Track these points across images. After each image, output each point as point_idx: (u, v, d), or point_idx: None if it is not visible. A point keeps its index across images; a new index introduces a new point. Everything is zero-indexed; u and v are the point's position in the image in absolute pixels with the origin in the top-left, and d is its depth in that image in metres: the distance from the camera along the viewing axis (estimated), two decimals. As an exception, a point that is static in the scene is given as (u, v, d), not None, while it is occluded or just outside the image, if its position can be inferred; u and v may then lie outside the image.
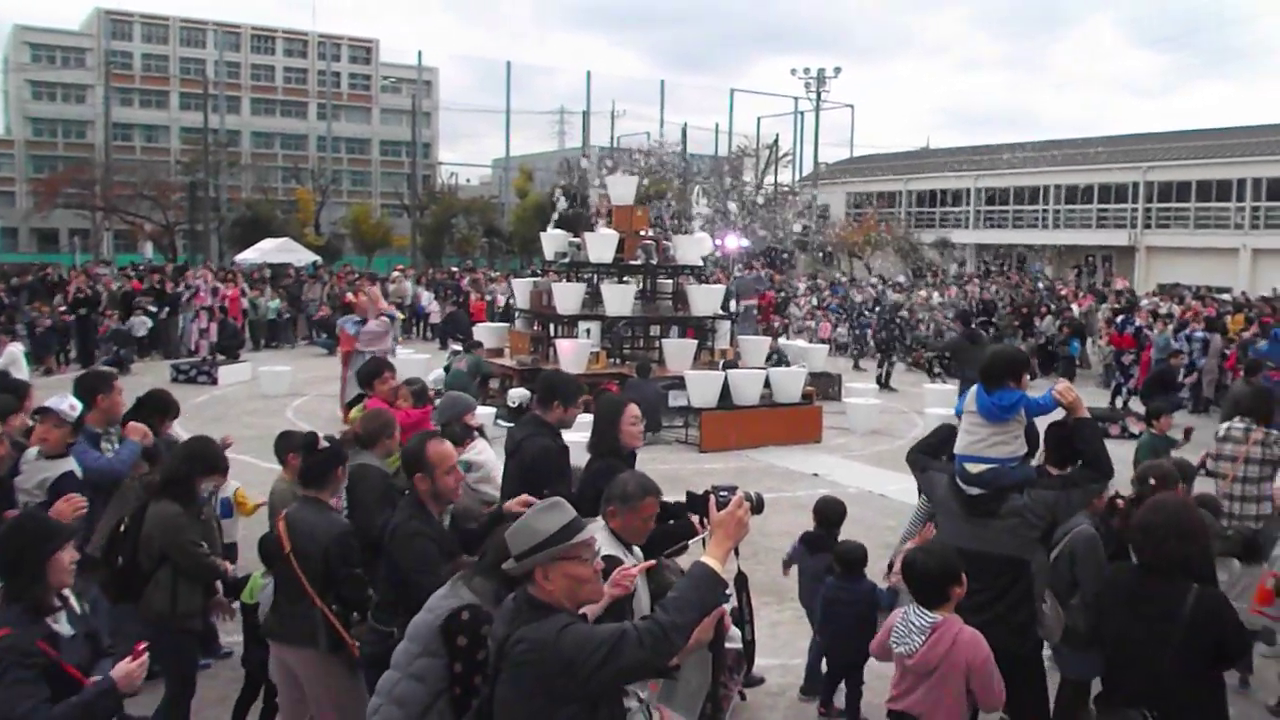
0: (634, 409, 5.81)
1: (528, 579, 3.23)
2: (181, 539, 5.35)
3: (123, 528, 5.54)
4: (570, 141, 66.85)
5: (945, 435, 5.54)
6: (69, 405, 5.68)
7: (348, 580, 4.86)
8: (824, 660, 6.56)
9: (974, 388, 5.14)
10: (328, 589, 4.87)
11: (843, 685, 6.37)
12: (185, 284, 25.13)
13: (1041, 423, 5.33)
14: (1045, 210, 49.90)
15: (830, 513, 7.03)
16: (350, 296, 12.97)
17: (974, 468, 4.97)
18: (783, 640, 7.56)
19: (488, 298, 30.11)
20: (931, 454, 5.52)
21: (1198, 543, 4.34)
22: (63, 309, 22.03)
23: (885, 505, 11.52)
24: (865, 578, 6.26)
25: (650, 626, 3.08)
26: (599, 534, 4.26)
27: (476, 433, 7.04)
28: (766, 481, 12.59)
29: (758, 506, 3.50)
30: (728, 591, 3.73)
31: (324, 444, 5.24)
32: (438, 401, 8.23)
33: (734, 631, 3.83)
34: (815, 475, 13.26)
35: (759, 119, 60.44)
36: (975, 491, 4.97)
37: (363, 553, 5.08)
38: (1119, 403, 19.26)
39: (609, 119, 57.23)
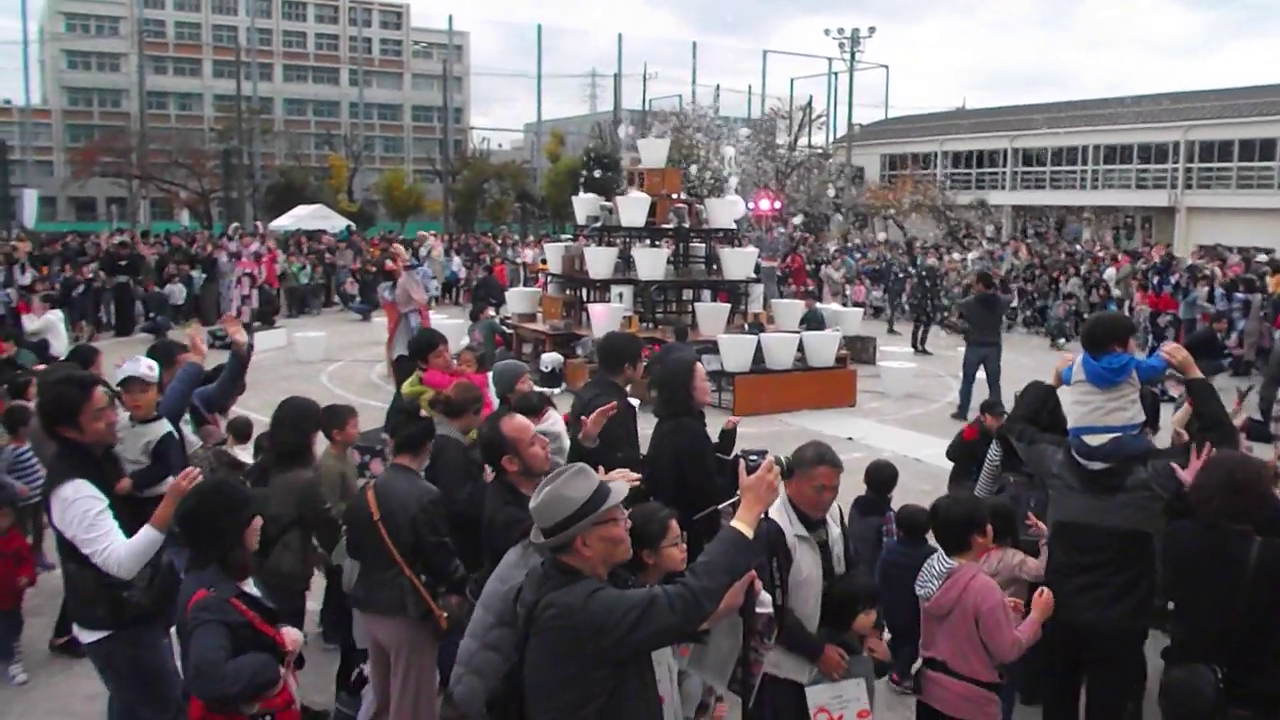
0: (702, 368, 5.77)
1: (565, 548, 3.21)
2: (318, 502, 5.43)
3: None
4: (602, 105, 66.55)
5: (1041, 394, 5.31)
6: (146, 366, 5.65)
7: (436, 549, 4.85)
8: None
9: (1080, 356, 4.90)
10: (416, 558, 4.87)
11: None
12: (225, 250, 25.29)
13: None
14: (1083, 171, 49.18)
15: (881, 476, 7.03)
16: (390, 264, 13.08)
17: (1094, 440, 4.73)
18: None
19: (516, 260, 30.19)
20: (1032, 419, 5.24)
21: (1251, 495, 4.16)
22: (89, 274, 22.17)
23: (920, 469, 11.45)
24: (926, 543, 5.99)
25: (680, 591, 3.06)
26: (777, 504, 4.24)
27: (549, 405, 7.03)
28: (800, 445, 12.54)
29: (787, 471, 3.47)
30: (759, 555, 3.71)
31: (424, 413, 5.32)
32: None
33: (764, 596, 3.80)
34: (850, 439, 13.20)
35: (792, 80, 59.90)
36: (1098, 466, 4.73)
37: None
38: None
39: (641, 82, 56.95)
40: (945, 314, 24.17)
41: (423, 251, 28.31)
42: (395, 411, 11.40)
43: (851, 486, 10.37)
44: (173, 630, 4.11)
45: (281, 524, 5.34)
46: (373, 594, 5.03)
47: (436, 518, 4.89)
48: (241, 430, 7.36)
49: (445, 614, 4.82)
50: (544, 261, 24.43)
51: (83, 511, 4.30)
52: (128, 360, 5.72)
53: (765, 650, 3.81)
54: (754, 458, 3.40)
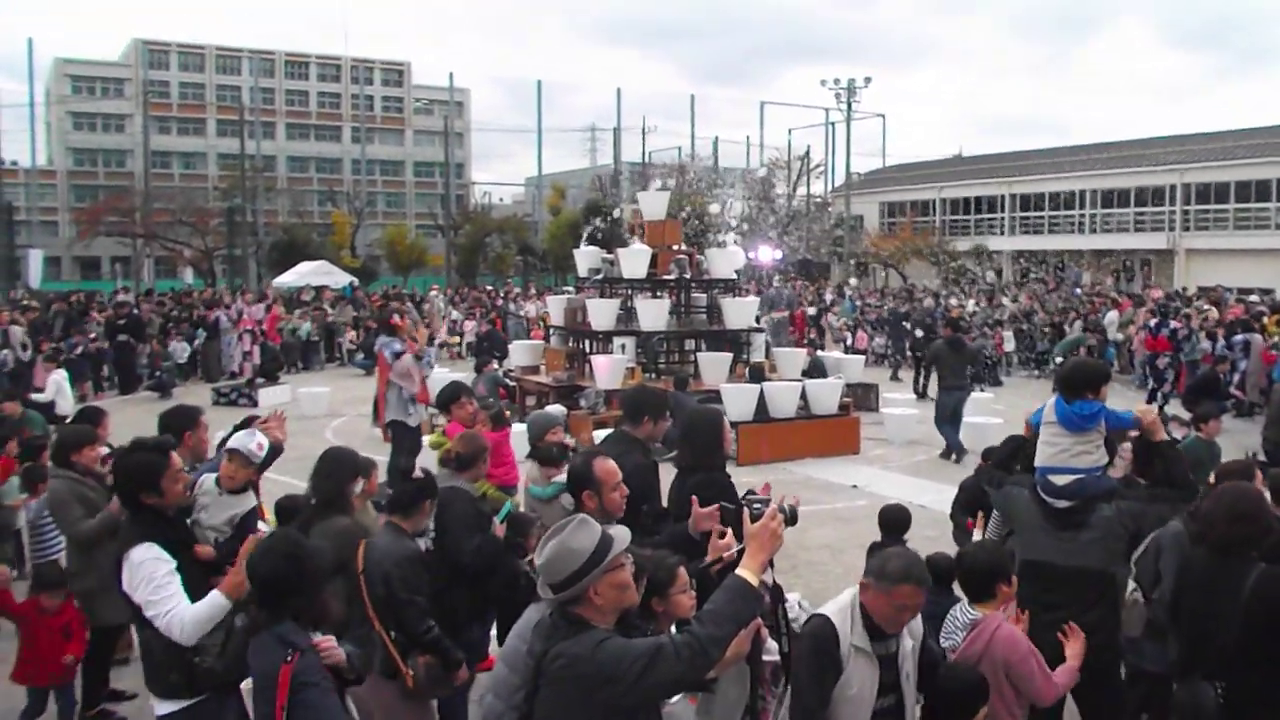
0: (727, 421, 5.68)
1: (578, 599, 3.23)
2: (353, 548, 5.38)
3: None
4: (602, 158, 67.23)
5: (1013, 446, 5.56)
6: (256, 444, 5.64)
7: (404, 606, 4.82)
8: None
9: (1052, 399, 5.14)
10: (388, 614, 4.85)
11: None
12: (226, 308, 25.46)
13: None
14: (1081, 215, 49.48)
15: (894, 520, 7.00)
16: (396, 319, 12.92)
17: (1059, 479, 4.95)
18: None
19: (519, 314, 30.37)
20: (1004, 468, 5.51)
21: (1254, 524, 4.48)
22: (94, 335, 22.26)
23: (925, 515, 11.40)
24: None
25: (687, 639, 3.09)
26: (844, 603, 3.96)
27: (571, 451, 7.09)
28: (805, 494, 12.52)
29: (791, 519, 3.49)
30: (765, 601, 3.72)
31: (419, 474, 5.25)
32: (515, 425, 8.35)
33: (771, 644, 3.81)
34: (854, 487, 13.20)
35: (790, 131, 60.48)
36: (1062, 504, 4.94)
37: (450, 577, 5.04)
38: (1155, 406, 19.05)
39: (640, 135, 57.49)
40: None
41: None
42: (391, 470, 11.47)
43: (855, 534, 10.41)
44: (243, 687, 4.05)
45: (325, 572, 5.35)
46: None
47: (410, 575, 4.86)
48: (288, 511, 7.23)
49: (412, 674, 4.78)
50: (545, 314, 24.59)
51: (150, 573, 4.27)
52: (242, 432, 5.76)
53: (773, 698, 3.82)
54: (758, 505, 3.43)
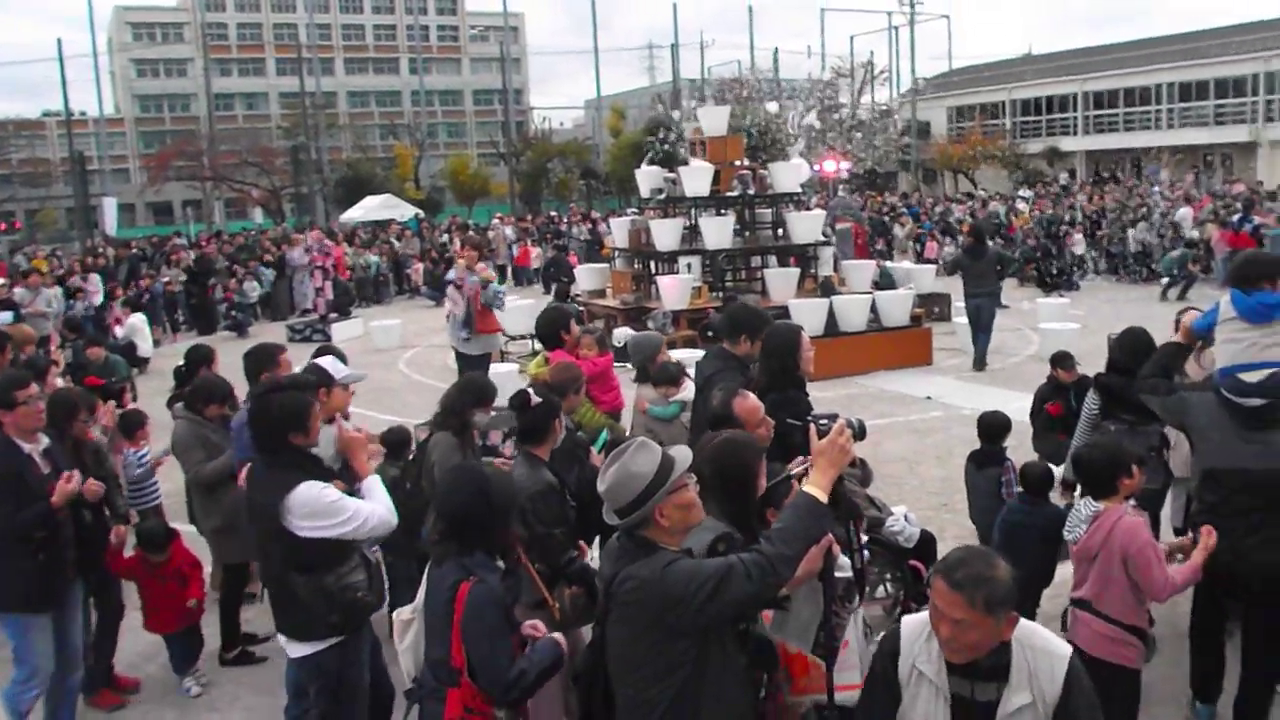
0: (807, 337, 5.49)
1: (645, 522, 3.21)
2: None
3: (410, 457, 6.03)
4: (661, 76, 66.26)
5: (1172, 353, 5.21)
6: (346, 367, 5.86)
7: (539, 540, 4.80)
8: None
9: (1225, 296, 4.81)
10: (531, 547, 4.81)
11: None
12: (299, 246, 25.78)
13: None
14: (1158, 110, 47.80)
15: (992, 426, 6.94)
16: (457, 248, 12.90)
17: (1250, 376, 4.61)
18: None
19: (582, 237, 30.44)
20: (1166, 376, 5.11)
21: None
22: (168, 280, 22.78)
23: (1000, 425, 11.27)
24: (1050, 501, 5.85)
25: (756, 558, 3.06)
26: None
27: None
28: (878, 407, 12.43)
29: (859, 433, 3.43)
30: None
31: (535, 400, 5.16)
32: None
33: (843, 560, 3.76)
34: (928, 398, 13.04)
35: (852, 38, 59.16)
36: (1255, 402, 4.61)
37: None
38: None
39: (698, 50, 56.54)
40: (1016, 265, 23.61)
41: (490, 234, 28.50)
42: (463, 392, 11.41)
43: (931, 446, 10.31)
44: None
45: (434, 481, 5.43)
46: None
47: (543, 508, 4.82)
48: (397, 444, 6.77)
49: (558, 605, 4.76)
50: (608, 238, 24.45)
51: (327, 503, 4.28)
52: (328, 358, 5.83)
53: (847, 614, 3.79)
54: (824, 422, 3.37)
